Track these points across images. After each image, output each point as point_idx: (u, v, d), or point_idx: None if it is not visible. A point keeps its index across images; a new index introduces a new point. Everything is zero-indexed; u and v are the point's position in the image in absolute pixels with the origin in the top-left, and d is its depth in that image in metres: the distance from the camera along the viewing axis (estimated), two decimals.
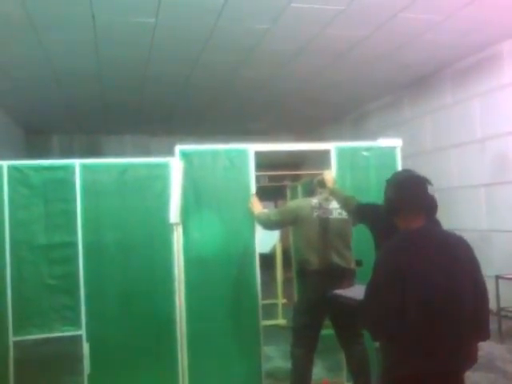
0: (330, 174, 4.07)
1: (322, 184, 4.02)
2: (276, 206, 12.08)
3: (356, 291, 2.37)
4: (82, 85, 7.93)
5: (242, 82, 8.10)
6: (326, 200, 4.00)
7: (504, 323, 5.69)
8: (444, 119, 7.86)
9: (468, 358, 2.28)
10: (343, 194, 3.80)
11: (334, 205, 3.94)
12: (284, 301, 7.67)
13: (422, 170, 8.22)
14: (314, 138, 12.41)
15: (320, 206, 3.97)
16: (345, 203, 3.71)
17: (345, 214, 3.89)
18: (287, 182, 8.36)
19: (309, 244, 3.96)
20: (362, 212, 3.62)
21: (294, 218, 4.01)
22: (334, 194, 3.87)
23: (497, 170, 6.83)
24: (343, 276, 3.83)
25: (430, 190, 2.37)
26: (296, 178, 9.16)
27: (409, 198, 2.34)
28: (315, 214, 3.94)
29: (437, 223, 2.63)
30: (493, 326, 5.81)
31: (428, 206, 2.34)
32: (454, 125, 7.63)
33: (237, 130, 11.97)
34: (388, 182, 2.55)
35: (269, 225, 4.19)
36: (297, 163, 11.64)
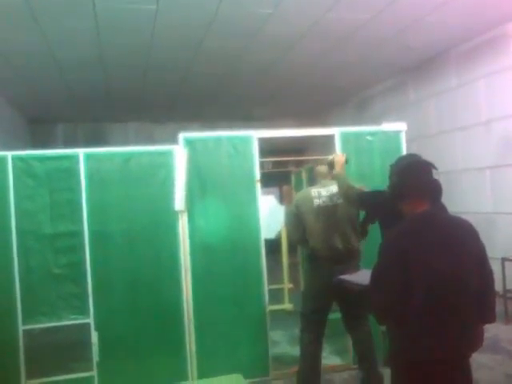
0: (341, 157, 4.03)
1: (332, 165, 4.01)
2: (280, 191, 12.09)
3: (361, 276, 2.38)
4: (84, 73, 7.89)
5: (245, 67, 8.04)
6: (325, 186, 4.02)
7: (510, 304, 5.70)
8: (449, 102, 7.80)
9: (474, 342, 2.29)
10: (345, 183, 3.76)
11: (334, 190, 3.94)
12: (290, 285, 7.70)
13: (427, 153, 8.19)
14: (318, 122, 12.34)
15: (319, 195, 3.98)
16: (344, 192, 3.71)
17: None
18: (292, 168, 8.34)
19: (314, 233, 3.98)
20: (363, 201, 3.63)
21: (297, 216, 4.03)
22: (337, 178, 3.85)
23: (502, 153, 6.78)
24: (349, 258, 3.87)
25: (435, 174, 2.36)
26: (300, 163, 9.14)
27: (413, 183, 2.34)
28: (316, 203, 3.95)
29: (443, 208, 2.62)
30: (499, 307, 5.82)
31: (433, 190, 2.34)
32: (458, 107, 7.57)
33: (240, 116, 11.94)
34: (392, 167, 2.54)
35: (294, 242, 4.58)
36: (301, 148, 11.59)
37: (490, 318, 2.36)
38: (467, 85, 7.32)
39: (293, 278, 7.49)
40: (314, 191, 4.02)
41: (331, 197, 3.97)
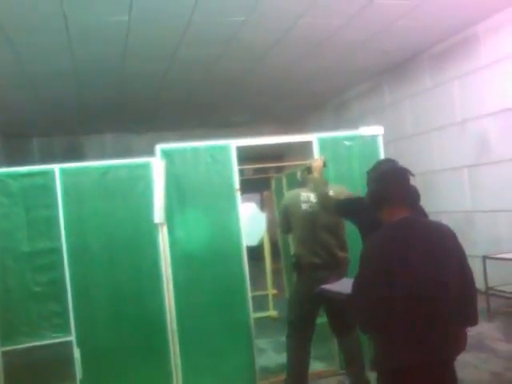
0: (319, 162, 4.00)
1: (310, 171, 4.00)
2: (262, 197, 12.08)
3: (344, 285, 2.37)
4: (57, 86, 7.81)
5: (221, 75, 8.03)
6: (315, 191, 3.92)
7: (492, 302, 5.76)
8: (424, 103, 7.89)
9: (457, 345, 2.30)
10: (323, 191, 3.75)
11: (333, 193, 3.86)
12: (274, 292, 7.68)
13: (404, 154, 8.29)
14: (298, 126, 12.39)
15: (308, 200, 3.93)
16: (322, 200, 3.69)
17: None
18: (272, 174, 8.35)
19: (300, 238, 3.97)
20: (342, 209, 3.61)
21: (286, 215, 4.01)
22: (315, 184, 3.84)
23: (478, 152, 6.88)
24: (334, 267, 3.82)
25: (412, 177, 2.38)
26: (281, 169, 9.16)
27: (391, 190, 2.35)
28: (303, 208, 3.92)
29: (422, 213, 2.64)
30: (481, 305, 5.90)
31: (410, 196, 2.35)
32: (433, 108, 7.66)
33: (218, 124, 11.92)
34: (369, 174, 2.55)
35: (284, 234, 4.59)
36: (281, 154, 11.62)
37: (473, 321, 2.37)
38: (441, 86, 7.43)
39: (277, 284, 7.48)
40: (304, 195, 3.95)
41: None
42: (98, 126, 11.20)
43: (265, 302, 7.06)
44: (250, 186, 10.80)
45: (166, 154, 4.18)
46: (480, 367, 4.33)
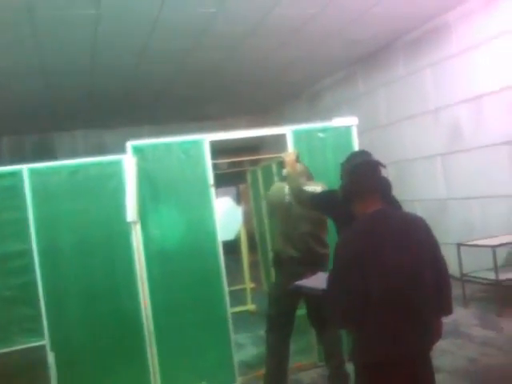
0: (292, 156, 3.96)
1: (283, 166, 3.96)
2: (238, 191, 12.05)
3: (319, 280, 2.34)
4: (25, 82, 7.60)
5: (193, 67, 7.92)
6: (306, 184, 3.84)
7: (467, 288, 5.83)
8: (397, 91, 7.92)
9: (433, 336, 2.31)
10: (297, 184, 3.69)
11: (309, 189, 3.79)
12: (252, 285, 7.66)
13: (378, 143, 8.31)
14: (272, 117, 12.36)
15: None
16: (296, 194, 3.64)
17: None
18: (248, 168, 8.30)
19: (281, 231, 3.94)
20: (316, 203, 3.58)
21: (271, 208, 3.97)
22: (288, 179, 3.79)
23: (451, 140, 6.94)
24: (312, 262, 3.76)
25: (385, 170, 2.37)
26: (256, 161, 9.13)
27: (363, 183, 2.34)
28: (286, 200, 3.87)
29: (396, 204, 2.63)
30: (457, 291, 5.99)
31: (383, 188, 2.34)
32: (407, 97, 7.69)
33: (193, 116, 11.81)
34: (343, 166, 2.53)
35: None
36: (256, 146, 11.55)
37: (447, 311, 2.39)
38: (414, 74, 7.45)
39: (254, 278, 7.45)
40: (288, 188, 3.87)
41: None
42: (69, 122, 10.97)
43: (243, 296, 7.04)
44: (226, 179, 10.79)
45: (138, 151, 4.10)
46: (456, 353, 4.39)
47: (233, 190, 12.56)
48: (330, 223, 3.89)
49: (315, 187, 3.80)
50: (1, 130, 10.86)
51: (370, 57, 8.41)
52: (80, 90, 8.42)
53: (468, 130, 6.63)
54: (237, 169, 8.77)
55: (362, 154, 2.93)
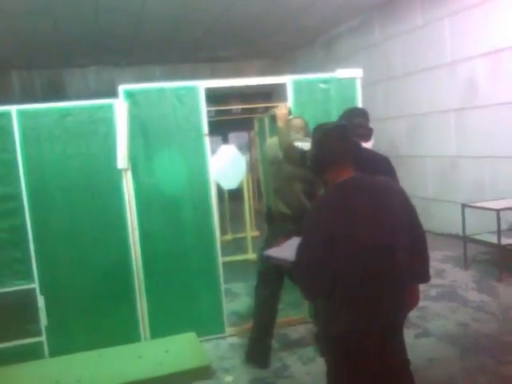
0: (284, 110, 3.72)
1: (274, 119, 3.77)
2: (249, 137, 11.87)
3: (290, 249, 2.24)
4: (32, 19, 7.40)
5: (204, 6, 7.59)
6: (299, 140, 3.65)
7: (469, 250, 5.72)
8: (414, 42, 7.52)
9: (409, 303, 2.27)
10: (287, 140, 3.48)
11: (304, 148, 3.52)
12: (257, 233, 7.64)
13: (393, 96, 7.96)
14: (287, 61, 11.99)
15: None
16: (285, 151, 3.45)
17: None
18: (259, 114, 8.08)
19: (274, 188, 3.83)
20: (305, 160, 3.40)
21: (264, 162, 3.83)
22: (279, 134, 3.59)
23: (466, 95, 6.63)
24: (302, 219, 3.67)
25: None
26: (268, 109, 8.92)
27: (330, 152, 2.20)
28: (279, 156, 3.67)
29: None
30: (458, 252, 5.86)
31: (352, 155, 2.21)
32: (424, 48, 7.31)
33: (204, 58, 11.48)
34: (313, 135, 2.37)
35: None
36: (269, 92, 11.27)
37: (424, 278, 2.34)
38: (432, 24, 7.06)
39: (259, 226, 7.39)
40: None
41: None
42: (79, 59, 10.75)
43: (244, 245, 7.02)
44: (237, 125, 10.59)
45: (130, 95, 3.97)
46: (449, 317, 4.31)
47: (245, 135, 12.41)
48: None
49: (305, 143, 3.53)
50: (10, 64, 10.69)
51: (387, 3, 7.96)
52: (87, 27, 8.18)
53: (483, 85, 6.31)
54: (249, 115, 8.57)
55: (358, 111, 2.77)
